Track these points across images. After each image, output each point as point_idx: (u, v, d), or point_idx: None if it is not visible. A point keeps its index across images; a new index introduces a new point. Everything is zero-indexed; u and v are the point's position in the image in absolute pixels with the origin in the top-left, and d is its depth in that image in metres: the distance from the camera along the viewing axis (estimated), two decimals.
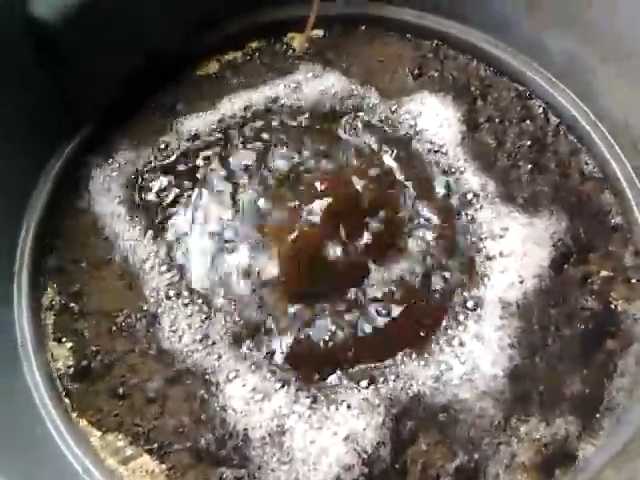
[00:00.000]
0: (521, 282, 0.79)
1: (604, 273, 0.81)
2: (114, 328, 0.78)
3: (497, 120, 0.92)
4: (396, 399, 0.73)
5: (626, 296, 0.80)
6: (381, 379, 0.74)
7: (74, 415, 0.74)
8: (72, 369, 0.76)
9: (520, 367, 0.75)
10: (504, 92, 0.95)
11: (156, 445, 0.72)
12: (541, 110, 0.93)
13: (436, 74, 0.96)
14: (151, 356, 0.76)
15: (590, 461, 0.71)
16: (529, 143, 0.90)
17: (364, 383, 0.74)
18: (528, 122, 0.92)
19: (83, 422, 0.74)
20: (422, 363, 0.75)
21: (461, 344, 0.76)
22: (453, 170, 0.87)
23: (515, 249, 0.81)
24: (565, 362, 0.76)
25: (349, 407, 0.72)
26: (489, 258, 0.81)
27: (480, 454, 0.71)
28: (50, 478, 0.68)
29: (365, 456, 0.70)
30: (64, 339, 0.78)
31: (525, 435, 0.72)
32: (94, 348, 0.77)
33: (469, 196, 0.85)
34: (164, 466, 0.71)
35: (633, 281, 0.81)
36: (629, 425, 0.72)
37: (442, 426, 0.72)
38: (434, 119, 0.91)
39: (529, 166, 0.88)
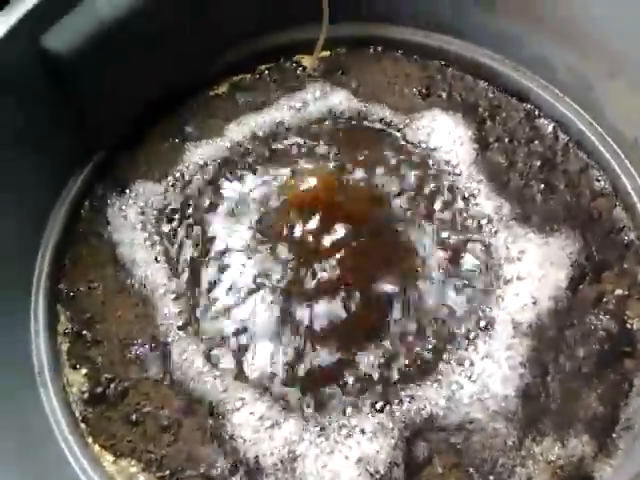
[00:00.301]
0: (534, 303, 0.79)
1: (619, 292, 0.81)
2: (127, 356, 0.79)
3: (507, 140, 0.92)
4: (410, 421, 0.73)
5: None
6: (396, 401, 0.74)
7: (89, 440, 0.75)
8: (87, 395, 0.77)
9: (532, 386, 0.74)
10: (512, 112, 0.95)
11: (168, 472, 0.73)
12: (550, 129, 0.94)
13: (444, 93, 0.97)
14: (164, 384, 0.77)
15: None
16: (539, 162, 0.91)
17: (378, 406, 0.74)
18: (537, 142, 0.93)
19: (97, 447, 0.75)
20: (435, 385, 0.75)
21: (472, 364, 0.75)
22: (468, 190, 0.88)
23: (532, 271, 0.81)
24: (579, 381, 0.76)
25: (363, 432, 0.72)
26: (506, 282, 0.81)
27: (496, 477, 0.70)
28: None
29: (378, 477, 0.70)
30: (78, 366, 0.79)
31: (540, 456, 0.71)
32: (108, 375, 0.78)
33: (484, 221, 0.86)
34: None
35: None
36: None
37: (456, 448, 0.72)
38: (446, 137, 0.92)
39: (541, 186, 0.89)
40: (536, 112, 0.94)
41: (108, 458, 0.74)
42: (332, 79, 0.98)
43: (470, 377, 0.75)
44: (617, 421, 0.74)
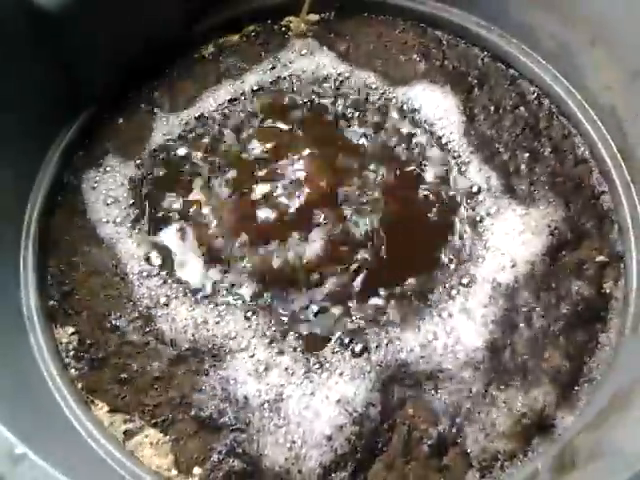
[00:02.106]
0: (513, 266, 0.84)
1: (600, 259, 0.86)
2: (108, 326, 0.84)
3: (493, 108, 0.96)
4: (385, 366, 0.78)
5: (615, 277, 0.85)
6: (374, 345, 0.79)
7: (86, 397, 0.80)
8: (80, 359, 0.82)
9: (500, 340, 0.80)
10: (500, 79, 0.99)
11: (161, 418, 0.78)
12: (534, 95, 0.98)
13: (436, 61, 1.00)
14: (151, 345, 0.82)
15: (567, 430, 0.76)
16: (525, 130, 0.95)
17: (358, 349, 0.79)
18: (522, 108, 0.96)
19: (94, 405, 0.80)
20: (414, 330, 0.80)
21: (450, 316, 0.81)
22: (458, 162, 0.92)
23: (513, 239, 0.85)
24: (547, 339, 0.81)
25: (341, 374, 0.78)
26: (488, 248, 0.85)
27: (461, 420, 0.77)
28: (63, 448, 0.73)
29: (356, 415, 0.76)
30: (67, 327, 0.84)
31: (503, 404, 0.77)
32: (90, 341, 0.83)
33: (474, 189, 0.90)
34: (168, 437, 0.77)
35: (621, 264, 0.85)
36: (606, 395, 0.76)
37: (426, 392, 0.78)
38: (435, 109, 0.95)
39: (526, 155, 0.93)
40: (520, 79, 0.99)
41: (102, 414, 0.80)
42: (322, 42, 1.01)
43: (445, 328, 0.80)
44: (580, 374, 0.79)
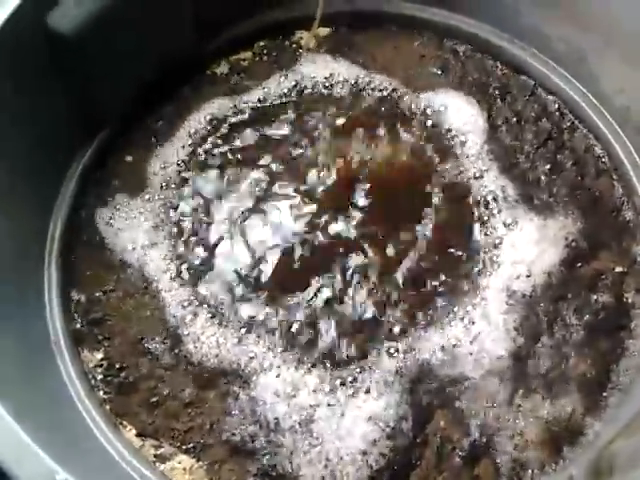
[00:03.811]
0: (528, 276, 0.86)
1: (618, 269, 0.87)
2: (139, 350, 0.85)
3: (515, 120, 0.98)
4: (408, 371, 0.81)
5: (637, 287, 0.86)
6: (392, 350, 0.82)
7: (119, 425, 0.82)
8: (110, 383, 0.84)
9: (523, 349, 0.82)
10: (520, 90, 1.01)
11: (191, 445, 0.80)
12: (556, 106, 0.99)
13: (455, 73, 1.02)
14: (180, 369, 0.84)
15: (598, 437, 0.77)
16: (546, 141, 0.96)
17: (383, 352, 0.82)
18: (544, 120, 0.98)
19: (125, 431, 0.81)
20: (434, 334, 0.82)
21: (472, 323, 0.83)
22: (475, 169, 0.94)
23: (529, 249, 0.87)
24: (571, 347, 0.82)
25: (368, 391, 0.80)
26: (503, 258, 0.87)
27: (490, 431, 0.78)
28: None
29: (388, 430, 0.78)
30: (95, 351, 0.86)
31: (530, 412, 0.79)
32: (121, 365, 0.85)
33: (489, 198, 0.92)
34: (201, 462, 0.79)
35: None
36: (634, 402, 0.78)
37: (452, 401, 0.80)
38: (458, 115, 0.98)
39: (547, 166, 0.94)
40: (539, 89, 1.00)
41: (133, 439, 0.81)
42: (337, 54, 1.03)
43: (466, 335, 0.82)
44: (607, 381, 0.81)
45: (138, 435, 0.80)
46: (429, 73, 1.01)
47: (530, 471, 0.76)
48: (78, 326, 0.86)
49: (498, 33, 1.01)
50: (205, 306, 0.85)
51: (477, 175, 0.93)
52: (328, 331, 0.83)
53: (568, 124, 0.98)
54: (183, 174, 0.95)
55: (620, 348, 0.82)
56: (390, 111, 0.98)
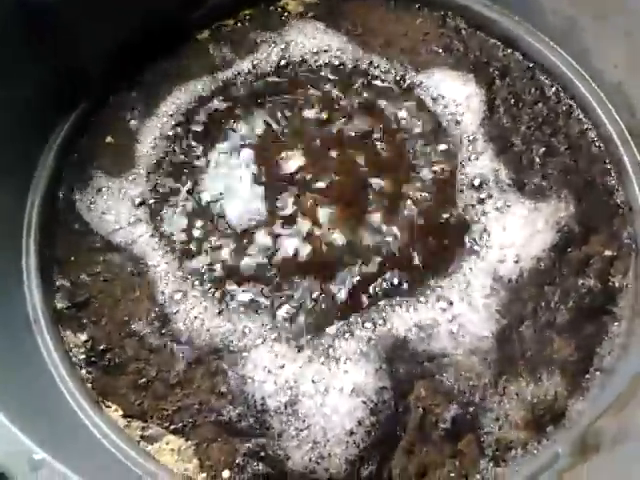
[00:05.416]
0: (516, 262, 0.87)
1: (608, 253, 0.88)
2: (126, 331, 0.86)
3: (513, 101, 0.98)
4: (383, 343, 0.81)
5: (624, 271, 0.87)
6: (368, 324, 0.83)
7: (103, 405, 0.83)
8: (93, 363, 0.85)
9: (507, 331, 0.83)
10: (521, 72, 1.01)
11: (180, 425, 0.81)
12: (554, 90, 0.99)
13: (457, 51, 1.02)
14: (168, 349, 0.84)
15: (582, 417, 0.79)
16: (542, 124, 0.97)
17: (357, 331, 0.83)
18: (540, 103, 0.98)
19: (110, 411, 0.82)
20: (412, 311, 0.83)
21: (450, 303, 0.84)
22: (470, 151, 0.94)
23: (519, 234, 0.88)
24: (554, 330, 0.84)
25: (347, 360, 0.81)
26: (491, 241, 0.87)
27: (473, 410, 0.80)
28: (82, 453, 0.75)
29: (372, 405, 0.79)
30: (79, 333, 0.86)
31: (515, 395, 0.81)
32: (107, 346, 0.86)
33: (480, 179, 0.92)
34: (190, 442, 0.80)
35: (631, 258, 0.88)
36: (622, 380, 0.79)
37: (432, 374, 0.81)
38: (457, 94, 0.97)
39: (542, 149, 0.95)
40: (539, 73, 1.00)
41: (120, 421, 0.81)
42: (326, 22, 1.02)
43: (446, 315, 0.83)
44: (590, 363, 0.83)
45: (125, 416, 0.81)
46: (432, 52, 1.00)
47: (514, 450, 0.78)
48: (60, 306, 0.86)
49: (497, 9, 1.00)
50: (196, 283, 0.86)
51: (471, 157, 0.93)
52: (314, 306, 0.84)
53: (564, 108, 0.98)
54: (166, 150, 0.94)
55: (604, 331, 0.84)
56: (384, 86, 0.97)
